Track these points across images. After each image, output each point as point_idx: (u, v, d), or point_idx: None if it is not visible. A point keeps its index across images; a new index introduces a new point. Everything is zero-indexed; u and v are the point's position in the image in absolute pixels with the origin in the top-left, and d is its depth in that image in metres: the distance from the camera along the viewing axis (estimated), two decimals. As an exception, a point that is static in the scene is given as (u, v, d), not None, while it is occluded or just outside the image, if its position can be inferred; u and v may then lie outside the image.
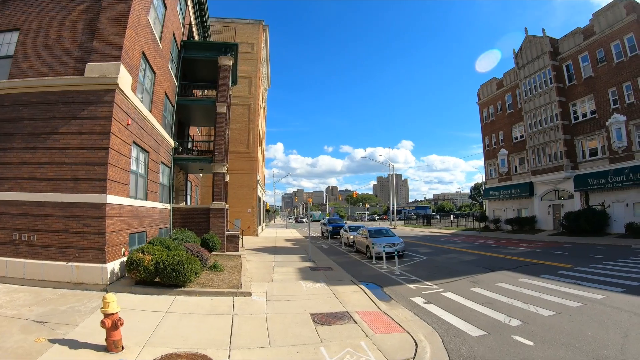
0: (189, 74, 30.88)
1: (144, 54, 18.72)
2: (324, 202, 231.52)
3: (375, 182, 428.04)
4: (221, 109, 28.00)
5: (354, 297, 14.55)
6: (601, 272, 17.87)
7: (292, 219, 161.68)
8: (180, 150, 28.30)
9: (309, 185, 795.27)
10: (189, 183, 34.97)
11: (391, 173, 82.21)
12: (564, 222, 40.75)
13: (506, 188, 53.34)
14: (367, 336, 10.00)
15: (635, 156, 35.92)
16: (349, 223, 63.18)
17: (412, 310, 12.81)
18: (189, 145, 33.12)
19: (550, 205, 46.55)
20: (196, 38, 33.67)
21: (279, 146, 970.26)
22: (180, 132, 30.67)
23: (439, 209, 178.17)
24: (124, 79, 15.69)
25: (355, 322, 11.23)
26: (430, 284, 17.26)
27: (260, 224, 59.36)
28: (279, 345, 9.37)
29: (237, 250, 27.71)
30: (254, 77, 51.27)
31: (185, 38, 28.79)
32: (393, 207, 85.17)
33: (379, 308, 12.88)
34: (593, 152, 40.91)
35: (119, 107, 15.47)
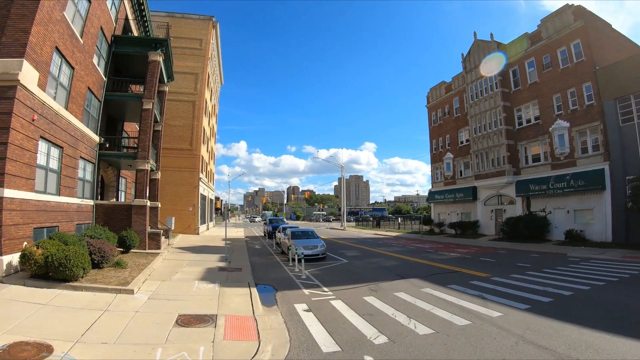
0: (123, 69, 30.02)
1: (58, 49, 18.32)
2: (284, 202, 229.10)
3: (337, 183, 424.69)
4: (147, 105, 27.25)
5: (236, 300, 13.83)
6: (516, 285, 16.47)
7: (249, 218, 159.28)
8: (108, 146, 27.50)
9: (271, 184, 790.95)
10: (123, 179, 34.09)
11: (343, 175, 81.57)
12: (504, 228, 39.87)
13: (451, 192, 52.30)
14: (212, 341, 9.41)
15: (577, 163, 35.27)
16: (295, 223, 61.34)
17: (286, 318, 11.97)
18: (123, 142, 31.83)
19: (492, 210, 45.69)
20: (135, 33, 32.54)
21: (242, 144, 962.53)
22: (111, 127, 30.43)
23: (396, 211, 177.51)
24: (28, 75, 15.45)
25: (215, 326, 10.58)
26: (327, 290, 16.19)
27: (205, 223, 58.02)
28: (122, 343, 9.06)
29: (159, 248, 26.99)
30: (201, 73, 49.61)
31: (119, 32, 28.07)
32: (344, 209, 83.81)
33: (253, 313, 12.19)
34: (536, 158, 40.08)
35: (21, 102, 15.19)
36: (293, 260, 24.19)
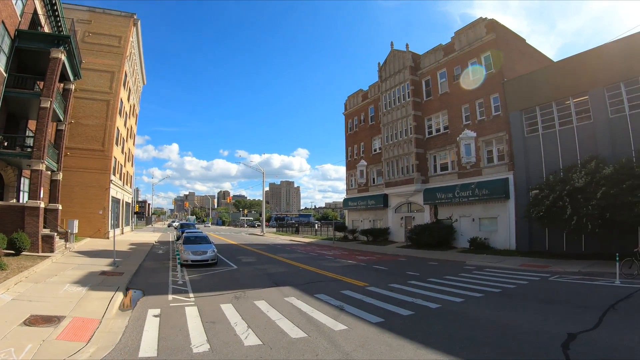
0: (30, 65, 28.02)
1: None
2: (210, 207, 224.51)
3: (268, 189, 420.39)
4: (45, 103, 25.60)
5: (95, 303, 13.32)
6: (387, 295, 15.34)
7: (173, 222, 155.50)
8: (7, 144, 25.76)
9: (203, 189, 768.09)
10: (27, 180, 31.07)
11: (264, 180, 78.32)
12: (411, 235, 39.12)
13: (363, 199, 51.43)
14: (44, 340, 9.15)
15: (483, 172, 35.09)
16: (219, 229, 59.01)
17: (130, 322, 11.36)
18: (28, 141, 29.11)
19: (402, 218, 45.06)
20: (45, 28, 29.74)
21: (174, 147, 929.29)
22: (13, 125, 28.79)
23: (323, 217, 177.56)
24: None
25: (56, 327, 10.23)
26: (192, 296, 15.44)
27: (120, 227, 55.21)
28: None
29: (52, 251, 25.34)
30: (117, 72, 46.44)
31: (25, 27, 25.95)
32: (264, 215, 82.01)
33: (103, 317, 11.64)
34: (444, 167, 39.73)
35: None
36: (182, 265, 23.60)
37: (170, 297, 15.19)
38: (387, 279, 19.62)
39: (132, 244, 39.64)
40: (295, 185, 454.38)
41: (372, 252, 36.30)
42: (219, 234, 69.87)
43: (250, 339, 9.72)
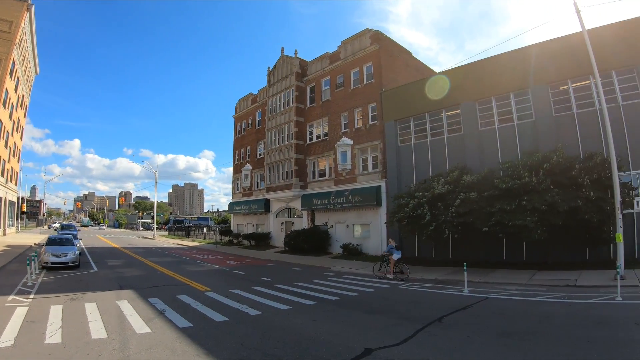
0: None
1: None
2: (108, 209, 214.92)
3: (171, 191, 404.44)
4: None
5: None
6: (219, 301, 14.73)
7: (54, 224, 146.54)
8: None
9: (104, 188, 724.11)
10: None
11: (156, 182, 73.79)
12: (288, 241, 38.39)
13: (247, 203, 49.92)
14: None
15: (358, 179, 34.94)
16: (113, 231, 56.06)
17: None
18: None
19: (283, 223, 44.17)
20: None
21: (76, 142, 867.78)
22: None
23: (222, 221, 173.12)
24: None
25: None
26: (32, 297, 14.72)
27: (1, 227, 51.03)
28: None
29: None
30: (5, 59, 41.69)
31: None
32: (155, 218, 79.55)
33: None
34: (322, 173, 39.35)
35: None
36: (42, 267, 22.51)
37: (10, 297, 14.59)
38: (235, 285, 19.10)
39: (7, 246, 36.54)
40: (199, 188, 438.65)
41: (248, 256, 35.46)
42: (107, 237, 66.48)
43: (53, 338, 9.54)
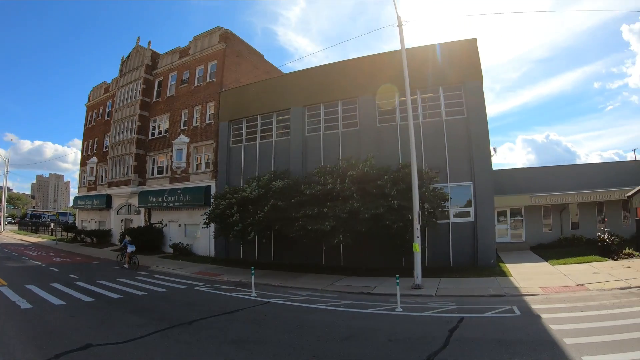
0: None
1: None
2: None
3: (35, 182, 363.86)
4: None
5: None
6: None
7: None
8: None
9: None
10: None
11: (6, 170, 68.31)
12: (120, 239, 36.13)
13: (90, 198, 46.97)
14: None
15: (191, 178, 34.44)
16: None
17: None
18: None
19: (123, 220, 42.23)
20: None
21: None
22: None
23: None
24: None
25: None
26: None
27: None
28: None
29: None
30: None
31: None
32: (4, 211, 73.61)
33: None
34: (160, 170, 38.21)
35: None
36: None
37: None
38: (36, 281, 18.64)
39: None
40: (66, 180, 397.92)
41: (82, 254, 34.20)
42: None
43: None
